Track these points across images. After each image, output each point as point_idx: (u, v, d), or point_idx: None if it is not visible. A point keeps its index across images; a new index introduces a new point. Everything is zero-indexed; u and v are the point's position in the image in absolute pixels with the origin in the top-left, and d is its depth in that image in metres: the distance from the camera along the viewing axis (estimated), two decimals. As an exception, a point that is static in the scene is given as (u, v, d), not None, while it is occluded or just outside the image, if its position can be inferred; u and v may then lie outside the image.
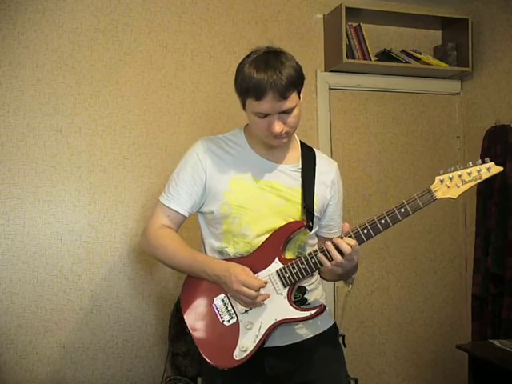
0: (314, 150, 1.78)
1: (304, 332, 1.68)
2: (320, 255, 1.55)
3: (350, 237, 1.53)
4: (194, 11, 2.87)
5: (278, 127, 1.54)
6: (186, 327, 1.64)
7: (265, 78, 1.49)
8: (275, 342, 1.63)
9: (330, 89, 3.13)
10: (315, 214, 1.68)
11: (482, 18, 3.18)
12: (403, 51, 3.17)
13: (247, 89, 1.53)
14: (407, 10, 3.13)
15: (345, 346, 1.88)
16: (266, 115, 1.54)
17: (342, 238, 1.53)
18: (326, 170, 1.75)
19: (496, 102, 3.10)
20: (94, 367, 2.66)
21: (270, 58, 1.54)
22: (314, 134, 3.06)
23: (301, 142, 1.78)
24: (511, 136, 2.85)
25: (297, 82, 1.54)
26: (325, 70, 3.10)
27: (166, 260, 1.69)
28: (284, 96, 1.50)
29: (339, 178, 1.81)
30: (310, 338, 1.69)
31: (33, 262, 2.58)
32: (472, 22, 3.15)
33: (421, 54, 3.18)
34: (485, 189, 2.94)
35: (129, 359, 2.71)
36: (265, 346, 1.60)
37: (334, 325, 1.79)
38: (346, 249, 1.51)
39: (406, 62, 3.12)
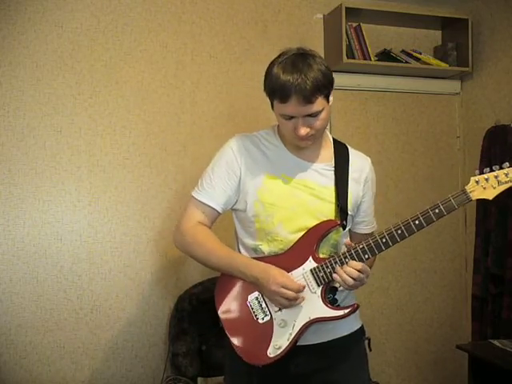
0: (347, 147, 1.77)
1: (332, 332, 1.67)
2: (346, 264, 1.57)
3: (369, 245, 1.55)
4: (193, 11, 2.87)
5: (302, 131, 1.55)
6: (220, 324, 1.65)
7: (290, 80, 1.49)
8: (303, 340, 1.62)
9: (329, 89, 3.13)
10: (349, 212, 1.68)
11: (482, 17, 3.18)
12: (403, 51, 3.17)
13: (273, 90, 1.54)
14: (407, 9, 3.13)
15: (370, 350, 1.86)
16: (291, 117, 1.55)
17: (347, 262, 1.56)
18: (359, 168, 1.75)
19: (496, 102, 3.10)
20: (94, 367, 2.66)
21: (298, 60, 1.53)
22: (314, 134, 3.06)
23: (334, 139, 1.77)
24: (511, 136, 2.85)
25: (323, 86, 1.52)
26: (325, 70, 3.09)
27: (201, 257, 1.68)
28: (309, 100, 1.50)
29: (373, 175, 1.81)
30: (337, 338, 1.68)
31: (33, 261, 2.58)
32: (472, 21, 3.15)
33: (421, 54, 3.18)
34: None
35: (129, 359, 2.71)
36: None
37: (362, 327, 1.77)
38: (355, 275, 1.53)
39: (406, 62, 3.12)
